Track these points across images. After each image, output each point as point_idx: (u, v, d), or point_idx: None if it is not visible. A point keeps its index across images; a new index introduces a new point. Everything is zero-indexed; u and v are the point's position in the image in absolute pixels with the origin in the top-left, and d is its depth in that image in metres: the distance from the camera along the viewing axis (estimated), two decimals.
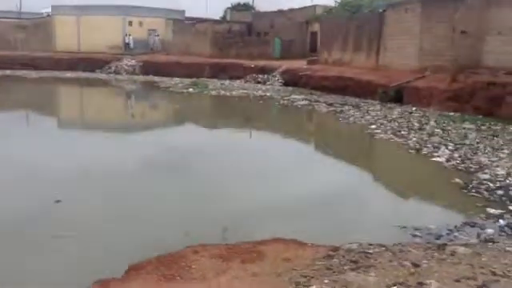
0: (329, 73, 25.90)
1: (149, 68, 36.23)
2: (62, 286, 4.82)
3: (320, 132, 17.74)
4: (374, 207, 8.24)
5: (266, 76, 30.49)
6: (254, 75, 31.00)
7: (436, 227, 6.80)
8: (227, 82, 30.45)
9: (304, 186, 9.07)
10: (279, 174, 10.14)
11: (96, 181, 9.10)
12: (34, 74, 35.38)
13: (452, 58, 19.23)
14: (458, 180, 9.34)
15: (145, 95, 28.44)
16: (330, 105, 20.64)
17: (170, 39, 43.75)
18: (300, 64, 30.37)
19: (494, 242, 5.93)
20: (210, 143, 13.72)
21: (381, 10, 25.18)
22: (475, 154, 11.59)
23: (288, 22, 39.83)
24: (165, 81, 31.27)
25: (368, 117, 17.26)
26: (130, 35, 43.67)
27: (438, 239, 6.30)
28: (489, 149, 12.06)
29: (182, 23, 44.74)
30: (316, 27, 35.79)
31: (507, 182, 9.26)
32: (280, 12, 42.97)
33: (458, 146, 12.43)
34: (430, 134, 13.91)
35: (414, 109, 18.49)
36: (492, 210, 7.59)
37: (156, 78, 33.08)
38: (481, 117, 16.45)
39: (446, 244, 5.12)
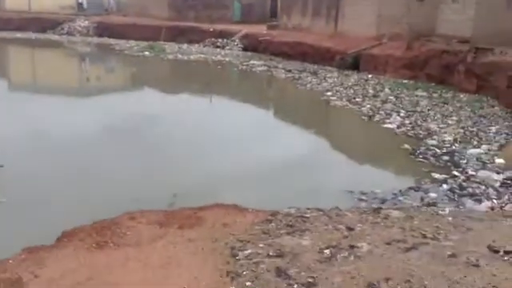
0: (288, 39, 25.65)
1: (103, 30, 34.77)
2: None
3: (277, 99, 17.68)
4: (324, 173, 8.34)
5: (225, 41, 29.89)
6: (213, 39, 30.31)
7: (382, 192, 6.96)
8: (185, 45, 29.69)
9: (258, 153, 9.04)
10: (236, 140, 10.08)
11: (43, 146, 8.78)
12: None
13: (408, 25, 19.39)
14: (407, 146, 9.57)
15: (99, 58, 27.43)
16: (289, 71, 20.53)
17: (126, 0, 42.03)
18: (260, 29, 29.87)
19: (435, 206, 6.13)
20: (167, 109, 13.41)
21: None
22: (425, 120, 11.89)
23: None
24: (120, 43, 30.18)
25: (325, 84, 17.29)
26: None
27: (382, 203, 6.44)
28: (438, 116, 12.39)
29: None
30: None
31: (453, 147, 9.58)
32: None
33: (409, 113, 12.69)
34: (384, 101, 14.11)
35: (370, 76, 18.64)
36: (437, 175, 7.84)
37: (111, 41, 31.86)
38: (433, 84, 16.80)
39: (380, 208, 5.21)
